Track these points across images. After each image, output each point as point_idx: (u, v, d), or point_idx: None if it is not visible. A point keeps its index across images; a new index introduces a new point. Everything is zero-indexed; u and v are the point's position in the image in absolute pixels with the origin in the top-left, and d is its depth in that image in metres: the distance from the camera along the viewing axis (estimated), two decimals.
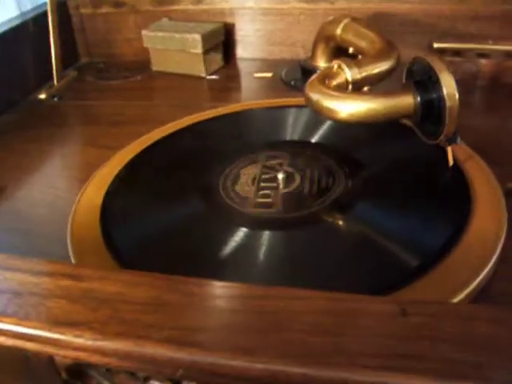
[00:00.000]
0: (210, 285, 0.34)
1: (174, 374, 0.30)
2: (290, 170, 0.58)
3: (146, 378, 0.34)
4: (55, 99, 0.86)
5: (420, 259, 0.44)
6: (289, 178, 0.56)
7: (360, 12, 0.86)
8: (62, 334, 0.31)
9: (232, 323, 0.32)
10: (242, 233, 0.49)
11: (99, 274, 0.35)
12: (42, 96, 0.86)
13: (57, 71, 0.88)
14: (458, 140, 0.53)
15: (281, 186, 0.55)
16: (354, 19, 0.75)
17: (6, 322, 0.32)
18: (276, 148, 0.63)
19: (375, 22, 0.86)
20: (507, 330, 0.29)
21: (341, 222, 0.52)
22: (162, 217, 0.53)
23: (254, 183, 0.57)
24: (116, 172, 0.58)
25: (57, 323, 0.32)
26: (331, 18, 0.78)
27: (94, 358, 0.32)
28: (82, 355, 0.32)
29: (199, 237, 0.50)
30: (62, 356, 0.33)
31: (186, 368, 0.30)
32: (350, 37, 0.73)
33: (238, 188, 0.56)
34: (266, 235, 0.49)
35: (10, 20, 0.90)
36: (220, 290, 0.35)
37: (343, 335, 0.30)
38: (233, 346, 0.30)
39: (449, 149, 0.53)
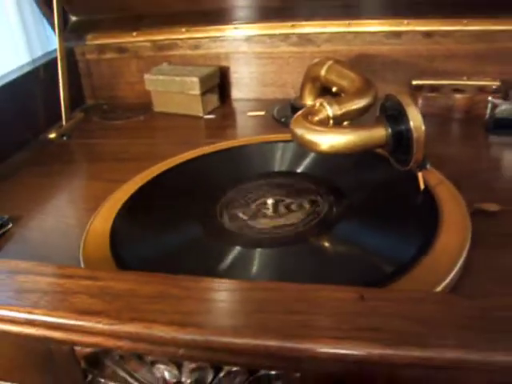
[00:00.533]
0: (204, 281, 0.41)
1: (176, 353, 0.36)
2: (279, 196, 0.64)
3: (153, 362, 0.40)
4: (64, 138, 0.93)
5: (394, 267, 0.50)
6: (278, 203, 0.63)
7: (344, 54, 0.94)
8: (84, 321, 0.37)
9: (222, 308, 0.38)
10: (236, 251, 0.55)
11: (113, 275, 0.42)
12: (52, 135, 0.93)
13: (65, 113, 0.96)
14: (428, 166, 0.59)
15: (270, 210, 0.61)
16: (337, 61, 0.82)
17: (37, 314, 0.39)
18: (267, 178, 0.69)
19: (358, 62, 0.93)
20: (448, 307, 0.37)
21: (327, 240, 0.58)
22: (165, 239, 0.59)
23: (247, 209, 0.63)
24: (123, 202, 0.64)
25: (80, 313, 0.38)
26: (316, 60, 0.85)
27: (110, 342, 0.38)
28: (100, 340, 0.38)
29: (198, 254, 0.56)
30: (83, 343, 0.39)
31: (185, 346, 0.36)
32: (332, 77, 0.80)
33: (233, 212, 0.62)
34: (258, 252, 0.55)
35: (23, 66, 0.98)
36: (213, 285, 0.41)
37: (313, 314, 0.37)
38: (222, 325, 0.37)
39: (419, 174, 0.60)
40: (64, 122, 0.96)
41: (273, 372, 0.38)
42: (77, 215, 0.68)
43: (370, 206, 0.62)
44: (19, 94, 0.92)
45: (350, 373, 0.36)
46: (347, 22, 0.94)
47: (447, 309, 0.36)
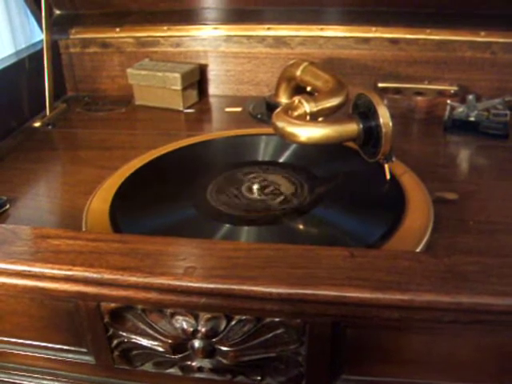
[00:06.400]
0: (221, 243, 0.48)
1: (198, 303, 0.43)
2: (263, 182, 0.70)
3: (173, 314, 0.46)
4: (49, 127, 0.96)
5: (364, 246, 0.57)
6: (262, 188, 0.68)
7: (316, 56, 1.01)
8: (119, 275, 0.43)
9: (238, 263, 0.45)
10: (225, 229, 0.61)
11: (140, 239, 0.48)
12: (37, 124, 0.96)
13: (50, 103, 0.99)
14: (393, 159, 0.67)
15: (256, 195, 0.67)
16: (312, 63, 0.89)
17: (76, 270, 0.44)
18: (249, 167, 0.75)
19: (329, 65, 1.00)
20: (419, 263, 0.44)
21: (305, 222, 0.64)
22: (160, 218, 0.64)
23: (235, 193, 0.69)
24: (119, 184, 0.69)
25: (115, 268, 0.44)
26: (292, 61, 0.92)
27: (140, 295, 0.44)
28: (131, 293, 0.44)
29: (192, 231, 0.61)
30: (112, 297, 0.45)
31: (208, 295, 0.43)
32: (308, 77, 0.87)
33: (221, 196, 0.68)
34: (245, 230, 0.61)
35: (8, 57, 1.01)
36: (228, 245, 0.48)
37: (314, 268, 0.44)
38: (241, 276, 0.43)
39: (386, 166, 0.67)
40: (48, 112, 0.99)
41: (277, 319, 0.45)
42: (72, 197, 0.72)
43: (343, 192, 0.68)
44: (5, 84, 0.95)
45: (344, 315, 0.44)
46: (320, 26, 1.01)
47: (419, 264, 0.44)
